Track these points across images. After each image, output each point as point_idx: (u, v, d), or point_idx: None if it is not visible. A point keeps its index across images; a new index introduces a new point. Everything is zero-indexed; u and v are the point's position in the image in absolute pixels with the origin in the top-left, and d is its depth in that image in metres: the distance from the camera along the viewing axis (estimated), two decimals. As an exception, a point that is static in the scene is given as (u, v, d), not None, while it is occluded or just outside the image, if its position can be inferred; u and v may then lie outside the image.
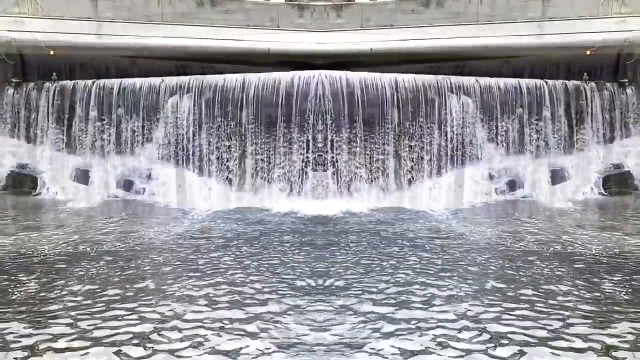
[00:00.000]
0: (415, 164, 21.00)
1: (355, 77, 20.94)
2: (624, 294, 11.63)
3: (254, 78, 20.84)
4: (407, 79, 20.78)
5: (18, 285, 12.13)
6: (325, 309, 10.67)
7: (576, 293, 11.71)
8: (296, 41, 21.32)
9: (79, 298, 11.27)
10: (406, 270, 13.16)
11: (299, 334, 9.63)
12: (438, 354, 8.91)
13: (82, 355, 8.81)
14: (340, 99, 21.00)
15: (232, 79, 20.89)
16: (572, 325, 9.97)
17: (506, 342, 9.29)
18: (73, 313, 10.42)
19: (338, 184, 21.40)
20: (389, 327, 9.88)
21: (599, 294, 11.62)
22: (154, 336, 9.46)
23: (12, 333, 9.54)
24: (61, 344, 9.16)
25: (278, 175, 21.31)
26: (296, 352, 8.97)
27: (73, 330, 9.62)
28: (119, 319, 10.15)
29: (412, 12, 23.15)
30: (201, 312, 10.53)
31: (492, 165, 20.06)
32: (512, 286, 12.11)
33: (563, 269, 13.40)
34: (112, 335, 9.43)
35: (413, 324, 9.99)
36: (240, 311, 10.59)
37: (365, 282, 12.34)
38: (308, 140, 21.14)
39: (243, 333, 9.63)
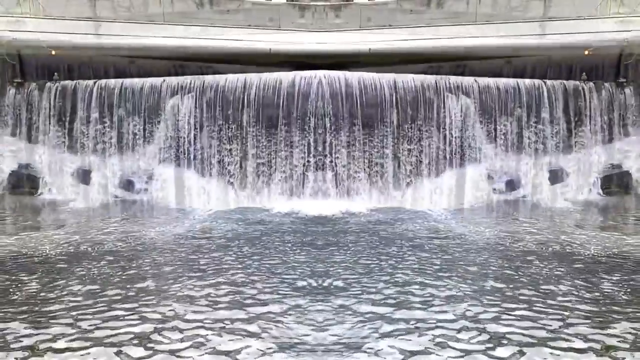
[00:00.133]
0: (414, 165, 21.04)
1: (355, 77, 21.01)
2: (623, 294, 11.67)
3: (255, 78, 20.89)
4: (406, 80, 20.83)
5: (19, 285, 12.18)
6: (325, 309, 10.71)
7: (575, 293, 11.75)
8: (297, 41, 21.33)
9: (80, 298, 11.32)
10: (405, 271, 13.19)
11: (299, 334, 9.68)
12: (437, 355, 8.95)
13: (82, 355, 8.85)
14: (340, 99, 21.07)
15: (234, 79, 20.94)
16: (571, 325, 10.01)
17: (506, 342, 9.33)
18: (74, 313, 10.47)
19: (338, 184, 21.45)
20: (388, 327, 9.92)
21: (598, 294, 11.66)
22: (155, 336, 9.50)
23: (13, 333, 9.59)
24: (62, 344, 9.20)
25: (279, 176, 21.37)
26: (296, 353, 9.01)
27: (74, 331, 9.66)
28: (119, 319, 10.19)
29: (410, 12, 23.15)
30: (202, 312, 10.58)
31: (491, 165, 20.08)
32: (511, 286, 12.15)
33: (562, 269, 13.43)
34: (112, 336, 9.47)
35: (412, 324, 10.03)
36: (241, 311, 10.64)
37: (364, 282, 12.38)
38: (308, 141, 21.21)
39: (244, 333, 9.67)
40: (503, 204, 19.61)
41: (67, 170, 19.07)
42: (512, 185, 19.74)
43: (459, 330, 9.75)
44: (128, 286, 12.07)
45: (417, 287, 12.05)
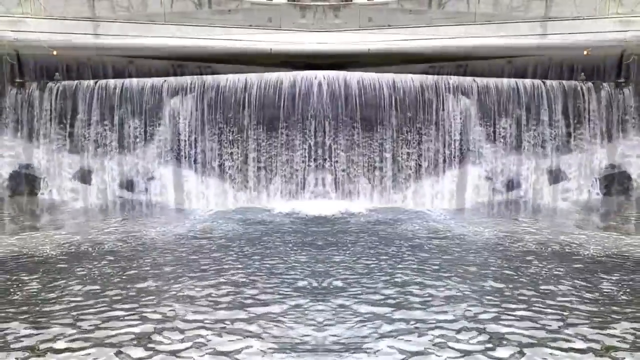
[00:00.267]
0: (414, 165, 21.07)
1: (356, 77, 21.06)
2: (622, 294, 11.69)
3: (256, 79, 20.92)
4: (405, 80, 20.85)
5: (20, 284, 12.21)
6: (325, 309, 10.74)
7: (575, 293, 11.77)
8: (297, 41, 21.33)
9: (81, 298, 11.35)
10: (405, 271, 13.22)
11: (299, 334, 9.70)
12: (437, 355, 8.97)
13: (83, 355, 8.87)
14: (340, 100, 21.12)
15: (234, 80, 20.98)
16: (571, 325, 10.03)
17: (505, 342, 9.36)
18: (74, 313, 10.49)
19: (338, 184, 21.49)
20: (388, 328, 9.95)
21: (597, 294, 11.68)
22: (155, 337, 9.53)
23: (13, 333, 9.62)
24: (62, 344, 9.23)
25: (279, 176, 21.40)
26: (297, 353, 9.04)
27: (74, 331, 9.69)
28: (120, 319, 10.22)
29: (410, 12, 23.13)
30: (202, 312, 10.61)
31: (490, 165, 20.10)
32: (511, 286, 12.17)
33: (562, 269, 13.45)
34: (113, 336, 9.50)
35: (412, 325, 10.05)
36: (241, 311, 10.66)
37: (364, 282, 12.41)
38: (308, 141, 21.25)
39: (244, 333, 9.70)
40: (502, 204, 19.64)
41: (67, 170, 19.09)
42: (511, 185, 19.76)
43: (458, 331, 9.77)
44: (128, 286, 12.10)
45: (416, 287, 12.08)
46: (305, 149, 21.42)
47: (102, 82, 19.97)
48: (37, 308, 10.76)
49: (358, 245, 15.59)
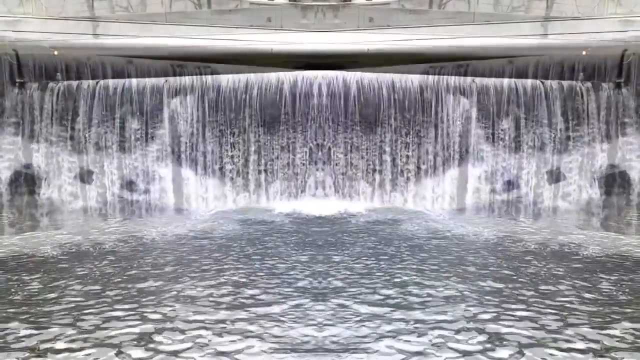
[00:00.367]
0: (413, 166, 21.08)
1: (355, 78, 21.09)
2: (621, 294, 11.71)
3: (256, 79, 20.94)
4: (405, 80, 20.86)
5: (21, 284, 12.23)
6: (325, 309, 10.76)
7: (574, 293, 11.78)
8: (298, 41, 21.31)
9: (81, 298, 11.37)
10: (404, 271, 13.23)
11: (299, 334, 9.73)
12: (436, 355, 9.01)
13: (83, 355, 8.91)
14: (340, 100, 21.15)
15: (235, 80, 20.99)
16: (570, 325, 10.05)
17: (505, 342, 9.39)
18: (75, 313, 10.52)
19: (338, 185, 21.51)
20: (387, 327, 9.96)
21: (597, 294, 11.69)
22: (156, 337, 9.57)
23: (14, 333, 9.65)
24: (63, 344, 9.25)
25: (279, 176, 21.42)
26: (297, 352, 9.07)
27: (74, 331, 9.71)
28: (121, 320, 10.25)
29: (411, 12, 23.12)
30: (203, 312, 10.63)
31: (489, 166, 20.10)
32: (510, 286, 12.19)
33: (561, 269, 13.47)
34: (114, 336, 9.53)
35: (411, 325, 10.08)
36: (242, 311, 10.68)
37: (363, 282, 12.43)
38: (309, 142, 21.30)
39: (244, 333, 9.72)
40: (502, 205, 19.67)
41: (68, 171, 19.12)
42: (511, 186, 19.76)
43: (458, 331, 9.80)
44: (129, 286, 12.13)
45: (416, 287, 12.10)
46: (305, 149, 21.44)
47: (103, 82, 19.97)
48: (38, 308, 10.79)
49: (358, 246, 15.62)
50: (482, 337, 9.57)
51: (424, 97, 20.85)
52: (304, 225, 18.23)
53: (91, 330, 9.76)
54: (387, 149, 21.22)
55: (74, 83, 19.79)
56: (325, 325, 10.07)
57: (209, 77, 20.92)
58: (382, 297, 11.46)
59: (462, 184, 20.53)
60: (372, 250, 15.19)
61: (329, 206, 20.38)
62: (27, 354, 8.90)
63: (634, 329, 9.89)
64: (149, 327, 9.93)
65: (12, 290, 11.90)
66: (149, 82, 20.29)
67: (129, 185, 19.75)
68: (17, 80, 19.84)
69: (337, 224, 18.45)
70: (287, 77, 21.18)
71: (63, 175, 18.98)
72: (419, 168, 21.12)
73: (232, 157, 21.16)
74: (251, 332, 9.79)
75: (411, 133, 21.05)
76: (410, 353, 9.07)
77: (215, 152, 21.04)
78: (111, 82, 20.16)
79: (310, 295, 11.59)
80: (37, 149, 18.70)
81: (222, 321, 10.23)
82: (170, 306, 10.93)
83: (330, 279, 12.65)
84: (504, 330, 9.86)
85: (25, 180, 18.32)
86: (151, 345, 9.22)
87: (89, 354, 8.91)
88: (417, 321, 10.23)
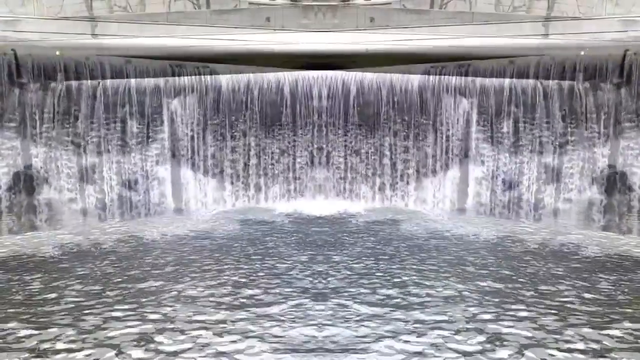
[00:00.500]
0: (413, 166, 21.08)
1: (355, 78, 21.11)
2: (620, 294, 11.73)
3: (257, 79, 20.96)
4: (405, 81, 20.86)
5: (22, 284, 12.27)
6: (325, 309, 10.79)
7: (574, 293, 11.80)
8: (298, 42, 21.31)
9: (82, 298, 11.40)
10: (404, 271, 13.25)
11: (299, 334, 9.76)
12: (436, 355, 9.03)
13: (83, 355, 8.94)
14: (340, 100, 21.16)
15: (235, 80, 21.00)
16: (570, 325, 10.07)
17: (505, 342, 9.41)
18: (76, 313, 10.56)
19: (338, 185, 21.52)
20: (387, 327, 9.99)
21: (596, 294, 11.71)
22: (156, 337, 9.59)
23: (14, 333, 9.68)
24: (63, 344, 9.29)
25: (280, 177, 21.43)
26: (297, 352, 9.10)
27: (74, 331, 9.74)
28: (121, 320, 10.28)
29: (412, 12, 23.11)
30: (203, 312, 10.66)
31: (489, 166, 20.09)
32: (510, 286, 12.21)
33: (560, 269, 13.49)
34: (114, 337, 9.56)
35: (411, 325, 10.11)
36: (242, 311, 10.71)
37: (363, 282, 12.45)
38: (309, 142, 21.33)
39: (245, 333, 9.75)
40: (502, 205, 19.68)
41: (68, 171, 19.13)
42: (511, 186, 19.76)
43: (457, 331, 9.82)
44: (129, 286, 12.16)
45: (416, 287, 12.12)
46: (305, 149, 21.46)
47: (105, 82, 19.94)
48: (39, 308, 10.82)
49: (357, 246, 15.65)
50: (481, 337, 9.59)
51: (424, 97, 20.86)
52: (305, 225, 18.25)
53: (92, 330, 9.79)
54: (388, 149, 21.23)
55: (75, 83, 19.79)
56: (325, 325, 10.10)
57: (209, 77, 20.92)
58: (382, 297, 11.48)
59: (463, 184, 20.52)
60: (373, 250, 15.21)
61: (329, 206, 20.41)
62: (27, 354, 8.92)
63: (633, 329, 9.92)
64: (149, 327, 9.96)
65: (13, 290, 11.94)
66: (150, 82, 20.28)
67: (130, 185, 19.75)
68: (18, 80, 19.82)
69: (338, 224, 18.46)
70: (286, 76, 21.20)
71: (63, 176, 18.99)
72: (419, 168, 21.11)
73: (232, 156, 21.16)
74: (251, 332, 9.82)
75: (412, 133, 21.05)
76: (410, 353, 9.10)
77: (215, 152, 21.04)
78: (111, 82, 20.15)
79: (310, 295, 11.62)
80: (38, 149, 18.69)
81: (223, 321, 10.26)
82: (171, 306, 10.96)
83: (330, 278, 12.67)
84: (504, 330, 9.88)
85: (25, 180, 18.34)
86: (151, 346, 9.26)
87: (90, 354, 8.95)
88: (416, 321, 10.25)
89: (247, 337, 9.60)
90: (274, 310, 10.82)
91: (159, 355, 8.96)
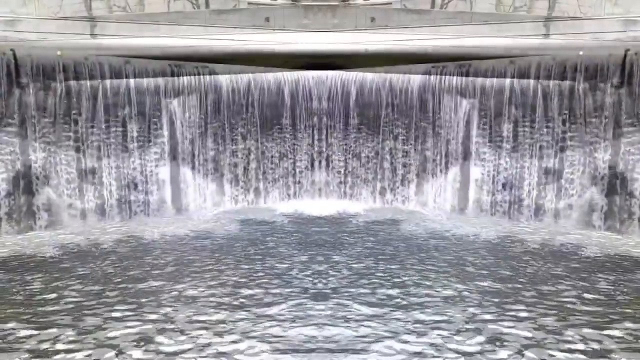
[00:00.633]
0: (413, 166, 21.09)
1: (356, 78, 21.13)
2: (619, 294, 11.74)
3: (256, 79, 21.00)
4: (406, 81, 20.88)
5: (22, 284, 12.29)
6: (325, 309, 10.80)
7: (574, 293, 11.81)
8: (298, 41, 21.31)
9: (82, 298, 11.42)
10: (404, 271, 13.25)
11: (299, 333, 9.78)
12: (436, 355, 9.05)
13: (83, 355, 8.97)
14: (341, 100, 21.18)
15: (236, 80, 21.02)
16: (570, 325, 10.09)
17: (505, 342, 9.43)
18: (76, 314, 10.58)
19: (338, 185, 21.55)
20: (387, 327, 10.01)
21: (596, 294, 11.72)
22: (156, 337, 9.61)
23: (14, 333, 9.71)
24: (63, 344, 9.31)
25: (280, 177, 21.46)
26: (297, 352, 9.12)
27: (75, 331, 9.77)
28: (121, 320, 10.30)
29: (413, 12, 23.11)
30: (204, 313, 10.68)
31: (490, 166, 20.09)
32: (509, 286, 12.22)
33: (560, 269, 13.50)
34: (114, 337, 9.58)
35: (411, 325, 10.12)
36: (242, 311, 10.73)
37: (363, 282, 12.46)
38: (309, 143, 21.36)
39: (245, 333, 9.77)
40: (502, 205, 19.68)
41: (70, 170, 19.14)
42: (511, 186, 19.75)
43: (457, 331, 9.84)
44: (130, 286, 12.18)
45: (415, 287, 12.14)
46: (306, 149, 21.48)
47: (106, 81, 19.94)
48: (40, 308, 10.84)
49: (358, 246, 15.66)
50: (481, 338, 9.60)
51: (425, 97, 20.85)
52: (305, 225, 18.26)
53: (92, 330, 9.81)
54: (388, 149, 21.24)
55: (75, 83, 19.81)
56: (325, 325, 10.12)
57: (208, 77, 20.92)
58: (382, 297, 11.50)
59: (463, 184, 20.52)
60: (373, 250, 15.22)
61: (329, 206, 20.42)
62: (27, 355, 8.94)
63: (633, 329, 9.93)
64: (149, 327, 9.98)
65: (14, 290, 11.96)
66: (151, 82, 20.28)
67: (130, 185, 19.76)
68: (18, 80, 19.83)
69: (338, 224, 18.47)
70: (286, 76, 21.22)
71: (63, 176, 19.00)
72: (420, 168, 21.11)
73: (232, 157, 21.18)
74: (251, 332, 9.84)
75: (412, 133, 21.06)
76: (409, 353, 9.11)
77: (215, 153, 21.06)
78: (113, 82, 20.16)
79: (310, 295, 11.63)
80: (38, 149, 18.71)
81: (223, 321, 10.28)
82: (171, 306, 10.98)
83: (330, 278, 12.69)
84: (504, 330, 9.89)
85: (25, 180, 18.36)
86: (152, 346, 9.27)
87: (90, 355, 8.97)
88: (416, 321, 10.27)
89: (248, 337, 9.62)
90: (274, 310, 10.84)
91: (159, 355, 8.98)
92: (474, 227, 18.09)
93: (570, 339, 9.61)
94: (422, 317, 10.46)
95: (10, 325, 10.01)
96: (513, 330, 9.90)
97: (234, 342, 9.50)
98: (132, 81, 20.08)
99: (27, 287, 12.13)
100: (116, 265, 13.85)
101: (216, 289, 12.05)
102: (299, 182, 21.46)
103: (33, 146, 18.80)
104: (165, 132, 20.33)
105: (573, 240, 16.40)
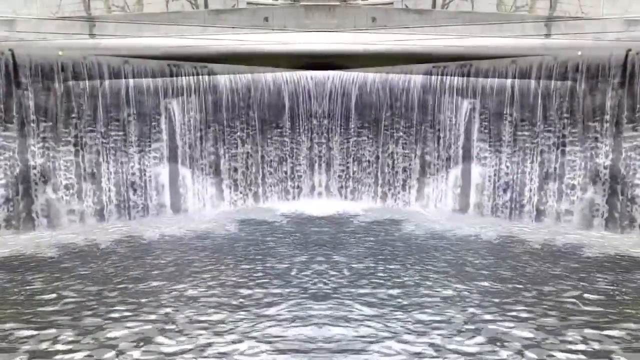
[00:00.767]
0: (414, 166, 21.10)
1: (356, 78, 21.14)
2: (618, 294, 11.73)
3: (256, 79, 21.03)
4: (406, 81, 20.89)
5: (23, 284, 12.31)
6: (325, 309, 10.80)
7: (573, 293, 11.80)
8: (299, 42, 21.32)
9: (82, 298, 11.44)
10: (404, 272, 13.26)
11: (299, 334, 9.78)
12: (436, 356, 9.04)
13: (83, 356, 8.97)
14: (341, 100, 21.21)
15: (235, 80, 21.04)
16: (570, 326, 10.10)
17: (505, 343, 9.42)
18: (76, 314, 10.59)
19: (338, 185, 21.57)
20: (387, 328, 10.02)
21: (596, 294, 11.71)
22: (156, 338, 9.61)
23: (14, 333, 9.72)
24: (63, 344, 9.32)
25: (280, 177, 21.48)
26: (297, 352, 9.13)
27: (75, 331, 9.78)
28: (121, 320, 10.31)
29: (414, 12, 23.12)
30: (204, 313, 10.69)
31: (490, 167, 20.08)
32: (509, 286, 12.21)
33: (559, 269, 13.49)
34: (114, 337, 9.59)
35: (411, 325, 10.12)
36: (242, 312, 10.74)
37: (363, 282, 12.47)
38: (309, 143, 21.38)
39: (244, 333, 9.77)
40: (503, 205, 19.67)
41: (68, 171, 19.16)
42: (511, 186, 19.74)
43: (457, 331, 9.83)
44: (130, 287, 12.19)
45: (416, 288, 12.14)
46: (306, 150, 21.50)
47: (107, 82, 19.97)
48: (39, 308, 10.86)
49: (358, 246, 15.66)
50: (481, 338, 9.60)
51: (425, 97, 20.86)
52: (305, 225, 18.26)
53: (92, 330, 9.82)
54: (389, 149, 21.26)
55: (75, 83, 19.84)
56: (325, 325, 10.12)
57: (207, 77, 20.95)
58: (382, 298, 11.50)
59: (464, 185, 20.52)
60: (373, 250, 15.22)
61: (329, 207, 20.43)
62: (27, 355, 8.95)
63: (633, 329, 9.91)
64: (149, 327, 9.99)
65: (15, 290, 11.98)
66: (151, 82, 20.29)
67: (130, 185, 19.77)
68: (17, 80, 19.86)
69: (338, 224, 18.45)
70: (286, 76, 21.24)
71: (63, 176, 19.02)
72: (420, 169, 21.12)
73: (232, 157, 21.19)
74: (251, 332, 9.84)
75: (413, 134, 21.06)
76: (409, 353, 9.11)
77: (215, 153, 21.08)
78: (115, 81, 20.16)
79: (310, 295, 11.63)
80: (37, 149, 18.73)
81: (223, 321, 10.28)
82: (171, 306, 10.99)
83: (330, 279, 12.69)
84: (504, 330, 9.89)
85: (25, 181, 18.38)
86: (151, 346, 9.28)
87: (90, 355, 8.97)
88: (416, 321, 10.26)
89: (248, 338, 9.62)
90: (274, 310, 10.84)
91: (159, 355, 8.99)
92: (476, 227, 18.09)
93: (570, 339, 9.60)
94: (422, 317, 10.46)
95: (10, 325, 10.01)
96: (513, 331, 9.89)
97: (234, 342, 9.51)
98: (131, 81, 20.11)
99: (28, 287, 12.15)
100: (117, 265, 13.86)
101: (216, 289, 12.06)
102: (301, 182, 21.52)
103: (36, 145, 18.84)
104: (167, 132, 20.37)
105: (574, 240, 16.40)
